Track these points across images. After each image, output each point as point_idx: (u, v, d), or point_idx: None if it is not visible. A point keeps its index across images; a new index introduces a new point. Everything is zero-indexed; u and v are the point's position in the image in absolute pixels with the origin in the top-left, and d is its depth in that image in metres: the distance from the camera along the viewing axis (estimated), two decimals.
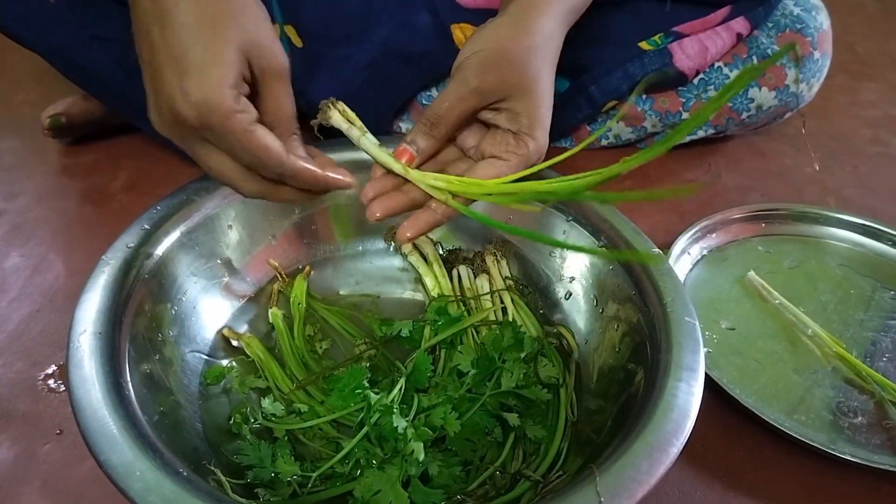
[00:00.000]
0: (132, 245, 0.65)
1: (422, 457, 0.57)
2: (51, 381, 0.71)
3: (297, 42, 0.92)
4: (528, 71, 0.58)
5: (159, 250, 0.67)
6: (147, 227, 0.67)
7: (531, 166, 0.59)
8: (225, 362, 0.70)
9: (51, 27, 0.82)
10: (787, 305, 0.82)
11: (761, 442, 0.69)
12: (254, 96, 0.52)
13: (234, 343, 0.71)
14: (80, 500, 0.61)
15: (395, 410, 0.60)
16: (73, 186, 0.97)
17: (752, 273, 0.86)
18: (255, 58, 0.51)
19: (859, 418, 0.72)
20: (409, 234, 0.58)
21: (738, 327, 0.80)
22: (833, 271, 0.89)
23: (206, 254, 0.72)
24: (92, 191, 0.96)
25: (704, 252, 0.89)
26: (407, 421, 0.60)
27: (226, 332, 0.71)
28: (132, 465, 0.47)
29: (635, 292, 0.67)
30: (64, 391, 0.70)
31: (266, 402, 0.64)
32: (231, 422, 0.64)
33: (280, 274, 0.76)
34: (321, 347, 0.72)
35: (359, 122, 0.61)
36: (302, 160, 0.54)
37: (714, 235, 0.91)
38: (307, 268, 0.79)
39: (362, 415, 0.61)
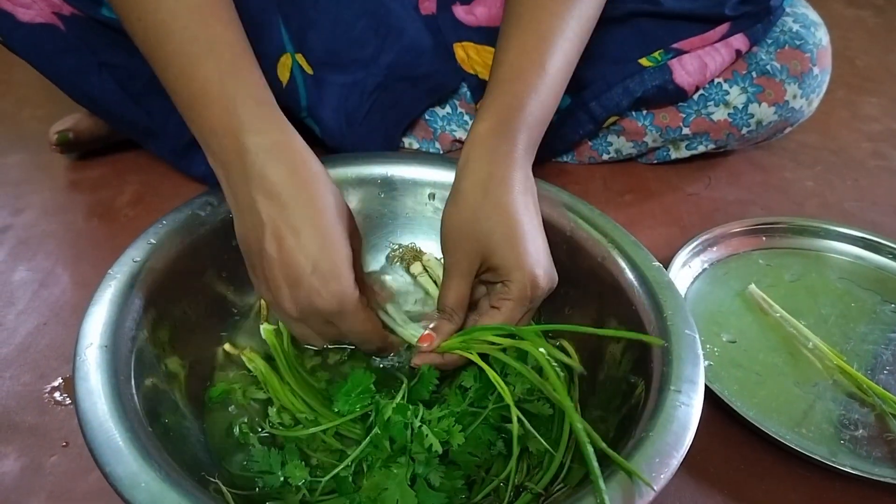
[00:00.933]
0: (138, 259, 0.65)
1: (440, 450, 0.59)
2: (57, 394, 0.72)
3: (309, 70, 0.93)
4: (489, 225, 0.62)
5: (165, 264, 0.67)
6: (153, 241, 0.68)
7: (532, 299, 0.63)
8: (229, 374, 0.70)
9: (61, 54, 0.83)
10: (788, 318, 0.82)
11: (762, 455, 0.69)
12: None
13: (235, 358, 0.71)
14: None
15: (409, 407, 0.62)
16: (80, 201, 0.98)
17: (752, 286, 0.86)
18: (349, 237, 0.62)
19: (860, 431, 0.72)
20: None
21: (739, 340, 0.81)
22: (834, 284, 0.90)
23: (211, 268, 0.72)
24: (98, 205, 0.97)
25: (705, 265, 0.90)
26: (419, 420, 0.60)
27: (227, 346, 0.71)
28: (137, 477, 0.48)
29: (635, 307, 0.68)
30: (70, 404, 0.71)
31: (272, 412, 0.65)
32: (237, 431, 0.64)
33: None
34: (310, 363, 0.73)
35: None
36: (390, 341, 0.69)
37: (715, 249, 0.92)
38: None
39: (371, 418, 0.61)
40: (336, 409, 0.64)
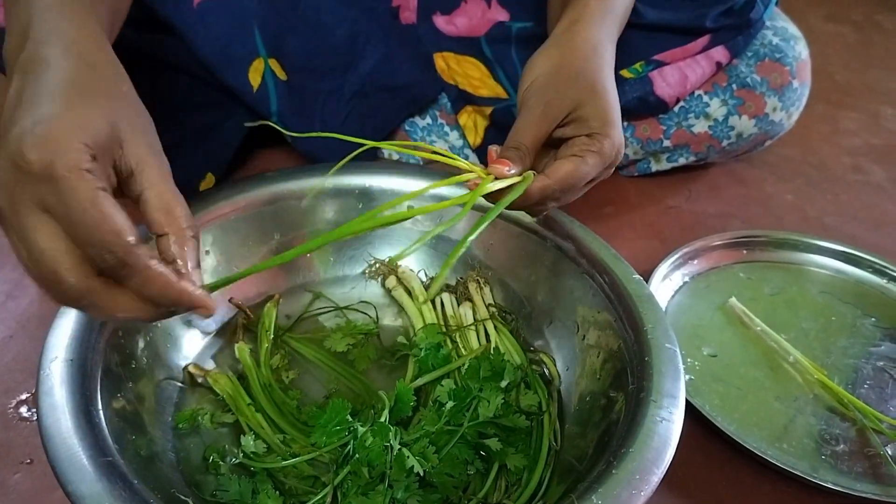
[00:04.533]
0: None
1: (421, 471, 0.57)
2: (22, 409, 0.70)
3: (282, 76, 0.92)
4: (586, 79, 0.62)
5: None
6: None
7: (609, 165, 0.62)
8: (197, 395, 0.68)
9: None
10: (769, 332, 0.82)
11: (744, 470, 0.69)
12: (128, 186, 0.47)
13: (200, 380, 0.69)
14: None
15: (390, 429, 0.60)
16: None
17: (733, 300, 0.86)
18: (124, 135, 0.45)
19: (841, 446, 0.71)
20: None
21: (719, 354, 0.80)
22: (814, 298, 0.90)
23: None
24: None
25: (686, 279, 0.90)
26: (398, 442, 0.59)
27: (192, 368, 0.69)
28: (101, 497, 0.46)
29: (616, 319, 0.67)
30: (35, 420, 0.68)
31: (246, 441, 0.62)
32: (209, 460, 0.62)
33: (245, 311, 0.74)
34: (287, 377, 0.71)
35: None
36: (154, 260, 0.43)
37: (695, 262, 0.91)
38: (277, 296, 0.77)
39: (348, 447, 0.59)
40: (313, 442, 0.62)
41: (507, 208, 0.57)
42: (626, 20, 0.76)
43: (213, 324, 0.74)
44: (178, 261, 0.46)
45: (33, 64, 0.46)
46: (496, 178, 0.57)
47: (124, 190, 0.47)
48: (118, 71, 0.51)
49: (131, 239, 0.41)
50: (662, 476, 0.52)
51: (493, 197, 0.58)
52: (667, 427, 0.55)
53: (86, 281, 0.42)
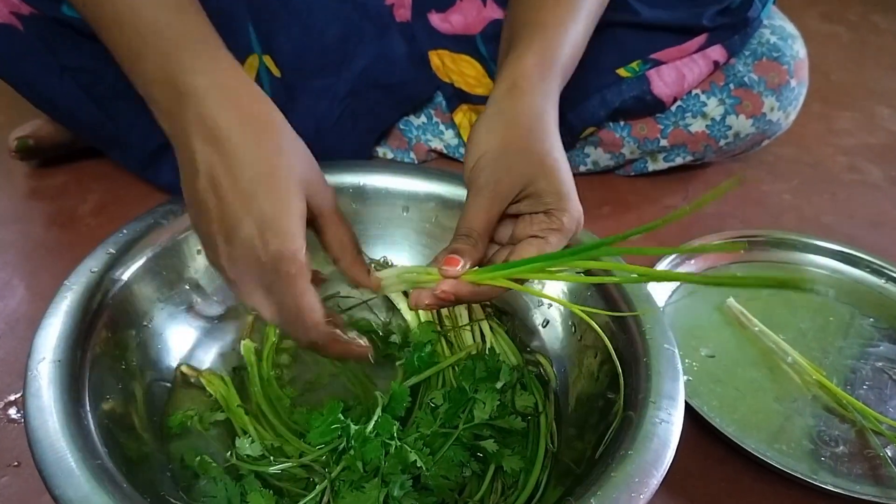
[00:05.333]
0: (96, 270, 0.62)
1: (423, 465, 0.57)
2: (11, 411, 0.69)
3: (276, 73, 0.91)
4: (534, 153, 0.58)
5: (124, 276, 0.64)
6: (112, 251, 0.65)
7: (573, 235, 0.59)
8: (189, 394, 0.67)
9: (20, 57, 0.80)
10: (767, 333, 0.81)
11: (742, 472, 0.68)
12: (315, 231, 0.57)
13: (193, 380, 0.68)
14: None
15: (392, 422, 0.60)
16: (40, 209, 0.95)
17: (731, 300, 0.85)
18: (311, 198, 0.54)
19: (840, 447, 0.71)
20: (426, 302, 0.56)
21: (718, 355, 0.79)
22: (812, 298, 0.89)
23: (173, 279, 0.70)
24: (59, 214, 0.94)
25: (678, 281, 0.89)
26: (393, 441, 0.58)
27: (184, 368, 0.68)
28: (89, 500, 0.45)
29: (613, 319, 0.66)
30: (23, 422, 0.67)
31: (241, 443, 0.61)
32: (199, 460, 0.61)
33: None
34: (289, 374, 0.70)
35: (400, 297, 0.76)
36: (329, 332, 0.55)
37: (693, 262, 0.90)
38: None
39: (342, 443, 0.59)
40: (308, 442, 0.61)
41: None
42: (576, 58, 0.70)
43: (219, 307, 0.74)
44: (355, 279, 0.59)
45: (213, 136, 0.51)
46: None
47: (308, 224, 0.54)
48: (275, 113, 0.55)
49: (321, 322, 0.53)
50: (662, 479, 0.51)
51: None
52: (666, 429, 0.54)
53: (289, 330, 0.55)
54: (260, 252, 0.50)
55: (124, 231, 0.67)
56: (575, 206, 0.58)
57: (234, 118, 0.51)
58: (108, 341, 0.61)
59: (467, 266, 0.55)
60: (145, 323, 0.66)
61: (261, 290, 0.53)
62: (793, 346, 0.79)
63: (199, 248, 0.72)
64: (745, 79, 0.96)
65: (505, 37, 0.72)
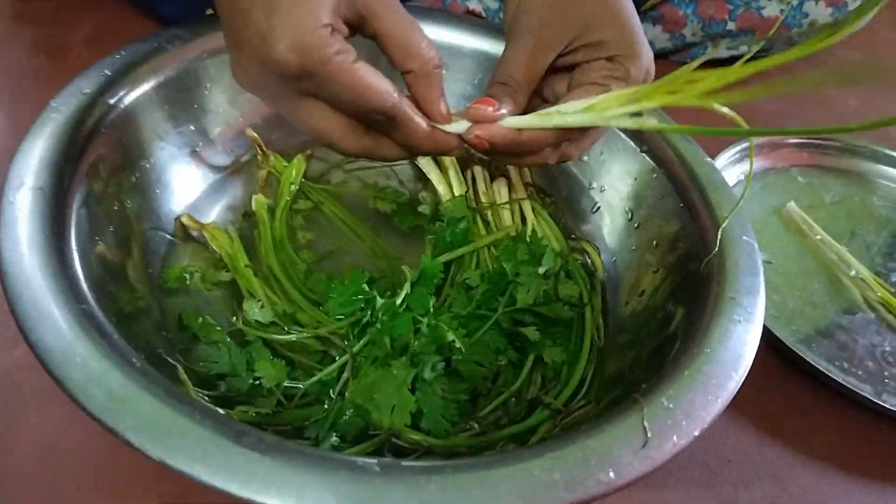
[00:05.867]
0: (88, 91, 0.53)
1: (458, 344, 0.50)
2: None
3: None
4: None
5: (122, 102, 0.55)
6: (108, 73, 0.55)
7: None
8: (190, 249, 0.59)
9: None
10: (830, 242, 0.74)
11: (801, 388, 0.61)
12: (366, 33, 0.45)
13: (194, 234, 0.59)
14: (7, 391, 0.51)
15: (428, 295, 0.53)
16: (25, 34, 0.83)
17: (791, 204, 0.77)
18: None
19: None
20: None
21: (775, 261, 0.72)
22: (878, 211, 0.81)
23: (177, 115, 0.60)
24: (47, 41, 0.82)
25: (741, 177, 0.80)
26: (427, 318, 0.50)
27: (184, 219, 0.59)
28: (71, 350, 0.37)
29: (682, 205, 0.58)
30: None
31: (250, 306, 0.53)
32: (201, 321, 0.53)
33: (260, 147, 0.64)
34: (304, 237, 0.62)
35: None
36: (411, 109, 0.45)
37: (754, 160, 0.81)
38: (309, 150, 0.67)
39: (364, 318, 0.51)
40: (327, 312, 0.53)
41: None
42: None
43: (226, 157, 0.65)
44: (423, 99, 0.46)
45: None
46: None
47: (360, 32, 0.45)
48: None
49: (395, 96, 0.43)
50: (741, 382, 0.44)
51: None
52: (745, 328, 0.47)
53: (359, 144, 0.46)
54: (273, 51, 0.40)
55: (123, 53, 0.57)
56: (646, 51, 0.49)
57: None
58: (99, 176, 0.52)
59: (503, 111, 0.46)
60: (143, 162, 0.57)
61: (304, 100, 0.44)
62: (856, 259, 0.72)
63: (209, 83, 0.62)
64: None
65: None
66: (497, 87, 0.48)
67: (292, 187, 0.63)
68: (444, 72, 0.47)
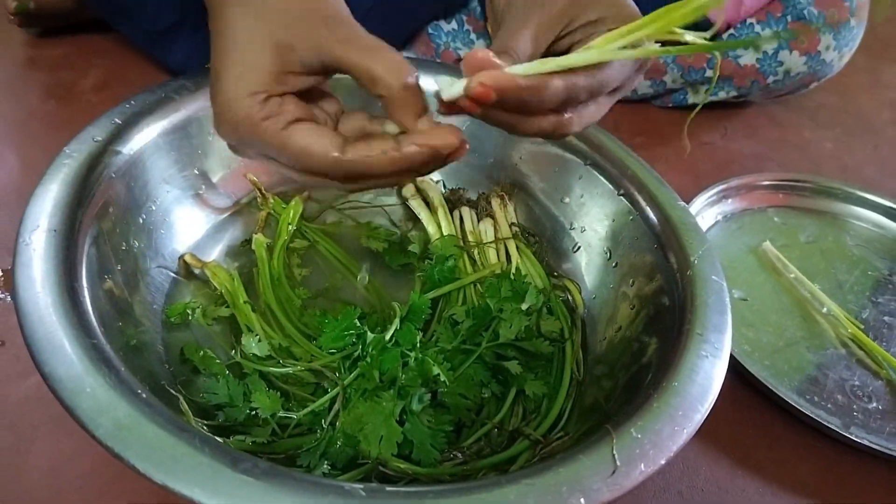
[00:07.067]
0: (100, 139, 0.56)
1: (443, 377, 0.52)
2: None
3: None
4: None
5: (130, 149, 0.58)
6: (118, 121, 0.58)
7: (640, 67, 0.50)
8: (192, 286, 0.62)
9: None
10: (803, 280, 0.77)
11: (772, 420, 0.64)
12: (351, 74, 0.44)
13: (196, 271, 0.63)
14: (21, 420, 0.54)
15: (415, 332, 0.55)
16: (37, 80, 0.88)
17: (767, 243, 0.80)
18: (305, 43, 0.43)
19: (873, 404, 0.67)
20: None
21: (750, 298, 0.75)
22: (851, 250, 0.84)
23: (182, 160, 0.64)
24: (58, 86, 0.87)
25: (719, 217, 0.84)
26: (414, 353, 0.54)
27: (188, 258, 0.63)
28: (82, 381, 0.40)
29: (656, 245, 0.61)
30: (9, 300, 0.62)
31: (247, 340, 0.56)
32: (201, 354, 0.56)
33: (260, 190, 0.68)
34: (300, 274, 0.65)
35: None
36: (361, 148, 0.42)
37: (730, 201, 0.85)
38: (306, 192, 0.71)
39: (356, 352, 0.54)
40: (320, 346, 0.57)
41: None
42: None
43: (227, 199, 0.68)
44: (401, 123, 0.43)
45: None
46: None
47: (336, 72, 0.45)
48: None
49: (334, 154, 0.42)
50: (707, 414, 0.47)
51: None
52: (712, 363, 0.50)
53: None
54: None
55: (133, 102, 0.61)
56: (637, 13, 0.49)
57: None
58: (109, 218, 0.55)
59: (501, 64, 0.41)
60: (150, 204, 0.61)
61: (264, 161, 0.46)
62: (829, 297, 0.75)
63: (212, 130, 0.66)
64: (805, 12, 0.89)
65: None
66: (500, 56, 0.43)
67: (290, 227, 0.67)
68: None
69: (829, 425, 0.62)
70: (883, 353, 0.71)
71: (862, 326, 0.73)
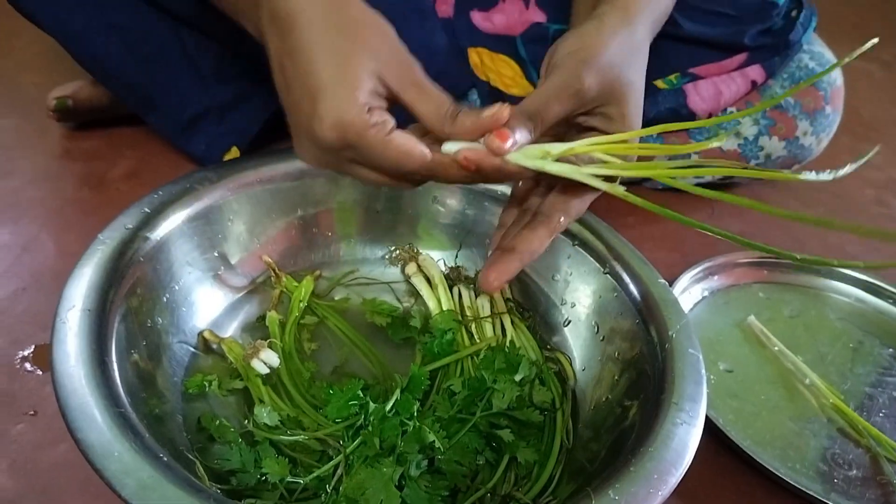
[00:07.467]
0: (130, 226, 0.63)
1: (440, 445, 0.57)
2: (27, 364, 0.69)
3: None
4: (628, 78, 0.55)
5: (157, 235, 0.65)
6: (147, 210, 0.65)
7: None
8: (209, 360, 0.68)
9: (70, 12, 0.81)
10: (786, 353, 0.81)
11: (754, 487, 0.67)
12: (406, 108, 0.52)
13: (214, 346, 0.68)
14: (50, 485, 0.58)
15: (413, 402, 0.60)
16: (72, 170, 0.95)
17: (752, 318, 0.85)
18: (389, 76, 0.50)
19: (854, 471, 0.70)
20: (496, 284, 0.55)
21: (736, 370, 0.79)
22: (833, 324, 0.89)
23: (204, 244, 0.70)
24: (91, 176, 0.94)
25: (706, 293, 0.89)
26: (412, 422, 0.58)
27: (206, 334, 0.68)
28: (110, 446, 0.45)
29: (639, 321, 0.66)
30: (41, 373, 0.67)
31: (258, 411, 0.61)
32: (217, 423, 0.61)
33: (274, 270, 0.74)
34: (310, 348, 0.71)
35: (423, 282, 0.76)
36: (444, 153, 0.51)
37: (716, 277, 0.90)
38: (317, 271, 0.77)
39: (359, 420, 0.59)
40: (325, 416, 0.61)
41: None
42: (664, 20, 0.68)
43: (244, 279, 0.74)
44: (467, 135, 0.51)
45: (284, 22, 0.51)
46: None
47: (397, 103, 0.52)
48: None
49: (423, 155, 0.50)
50: (680, 478, 0.51)
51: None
52: (686, 430, 0.54)
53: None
54: (319, 132, 0.49)
55: (160, 192, 0.67)
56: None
57: (304, 5, 0.50)
58: (137, 298, 0.61)
59: (514, 147, 0.50)
60: (173, 284, 0.67)
61: (353, 165, 0.52)
62: (811, 369, 0.79)
63: (231, 216, 0.73)
64: (781, 101, 0.96)
65: None
66: (522, 117, 0.51)
67: (301, 304, 0.72)
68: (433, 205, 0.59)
69: (810, 492, 0.65)
70: (863, 422, 0.74)
71: (843, 397, 0.77)
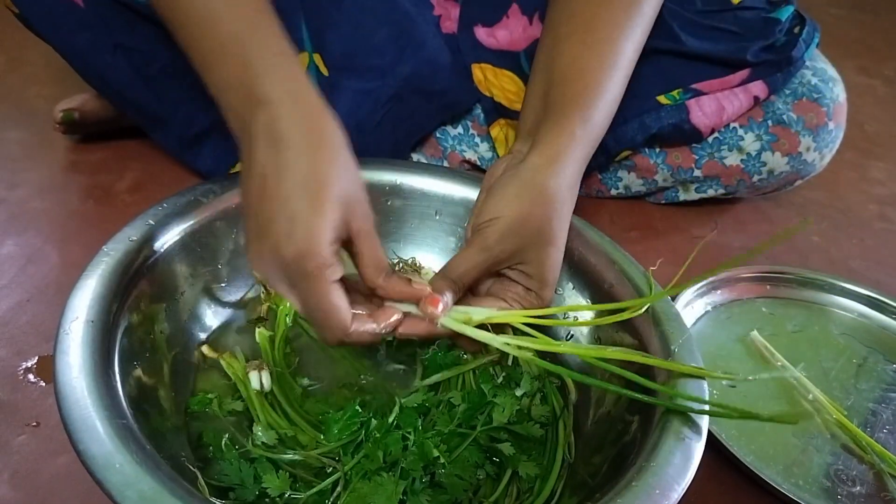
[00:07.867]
0: (135, 239, 0.63)
1: (442, 459, 0.57)
2: (31, 375, 0.69)
3: (325, 71, 0.92)
4: (547, 236, 0.62)
5: (162, 247, 0.65)
6: (152, 222, 0.66)
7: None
8: (211, 376, 0.68)
9: (76, 31, 0.82)
10: (790, 368, 0.81)
11: (757, 502, 0.67)
12: (349, 247, 0.57)
13: (213, 360, 0.68)
14: (51, 496, 0.58)
15: (416, 415, 0.60)
16: (78, 182, 0.96)
17: (755, 333, 0.85)
18: (351, 216, 0.54)
19: (857, 488, 0.70)
20: (439, 312, 0.59)
21: (738, 385, 0.79)
22: (836, 339, 0.88)
23: (207, 257, 0.70)
24: (96, 188, 0.95)
25: (708, 308, 0.89)
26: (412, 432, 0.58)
27: (205, 348, 0.68)
28: (112, 458, 0.45)
29: (641, 335, 0.66)
30: (44, 384, 0.67)
31: (257, 430, 0.61)
32: (224, 441, 0.60)
33: (264, 285, 0.74)
34: (298, 361, 0.71)
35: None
36: (366, 324, 0.57)
37: (719, 292, 0.90)
38: None
39: (359, 436, 0.59)
40: (324, 436, 0.61)
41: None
42: (613, 112, 0.72)
43: (234, 294, 0.74)
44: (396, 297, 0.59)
45: (273, 137, 0.54)
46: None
47: (345, 246, 0.57)
48: (337, 132, 0.57)
49: (344, 323, 0.55)
50: (683, 493, 0.51)
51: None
52: (689, 445, 0.54)
53: (318, 326, 0.57)
54: (284, 250, 0.51)
55: (164, 205, 0.68)
56: (549, 295, 0.64)
57: (299, 129, 0.54)
58: (140, 309, 0.61)
59: (445, 310, 0.59)
60: (176, 297, 0.67)
61: (286, 287, 0.55)
62: (815, 384, 0.79)
63: (237, 229, 0.73)
64: (784, 117, 0.96)
65: (539, 79, 0.75)
66: (447, 281, 0.61)
67: (287, 319, 0.72)
68: (437, 217, 0.69)
69: None
70: (867, 438, 0.74)
71: (846, 412, 0.76)
